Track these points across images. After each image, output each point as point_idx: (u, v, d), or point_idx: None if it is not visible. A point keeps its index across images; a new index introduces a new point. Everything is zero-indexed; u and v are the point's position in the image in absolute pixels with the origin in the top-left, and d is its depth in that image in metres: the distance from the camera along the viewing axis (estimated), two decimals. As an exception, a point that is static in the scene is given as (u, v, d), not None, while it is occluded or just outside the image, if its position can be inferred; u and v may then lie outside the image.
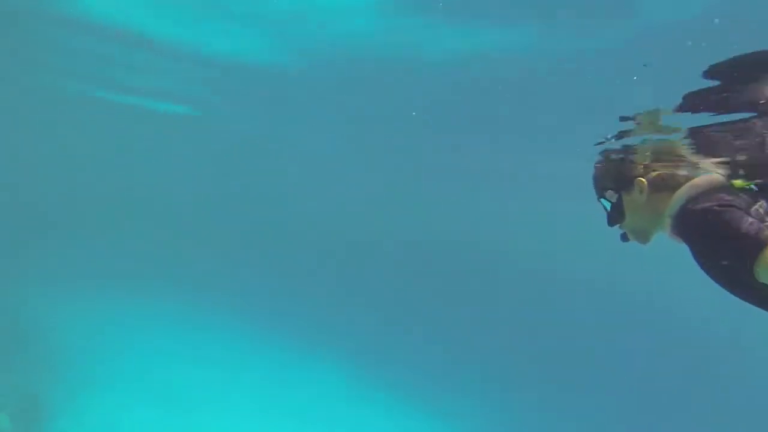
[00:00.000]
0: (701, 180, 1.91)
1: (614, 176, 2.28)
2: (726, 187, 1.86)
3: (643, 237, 2.22)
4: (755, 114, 3.34)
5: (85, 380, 13.42)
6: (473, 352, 23.61)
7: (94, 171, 35.61)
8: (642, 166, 2.20)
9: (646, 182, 2.11)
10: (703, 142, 3.97)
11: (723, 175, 2.00)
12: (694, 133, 3.87)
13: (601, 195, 2.29)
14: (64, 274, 20.62)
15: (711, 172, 2.06)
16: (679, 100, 3.56)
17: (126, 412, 12.67)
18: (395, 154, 18.10)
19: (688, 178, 1.98)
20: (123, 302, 20.17)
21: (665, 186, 2.04)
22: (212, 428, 13.21)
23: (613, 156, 4.73)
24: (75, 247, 24.65)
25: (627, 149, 4.50)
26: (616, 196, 2.21)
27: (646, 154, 4.44)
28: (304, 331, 21.42)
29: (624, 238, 2.28)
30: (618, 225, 2.27)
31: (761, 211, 1.66)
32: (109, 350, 15.79)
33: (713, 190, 1.84)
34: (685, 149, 4.17)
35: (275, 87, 9.98)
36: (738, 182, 1.90)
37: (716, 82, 3.17)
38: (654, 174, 2.11)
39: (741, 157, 4.07)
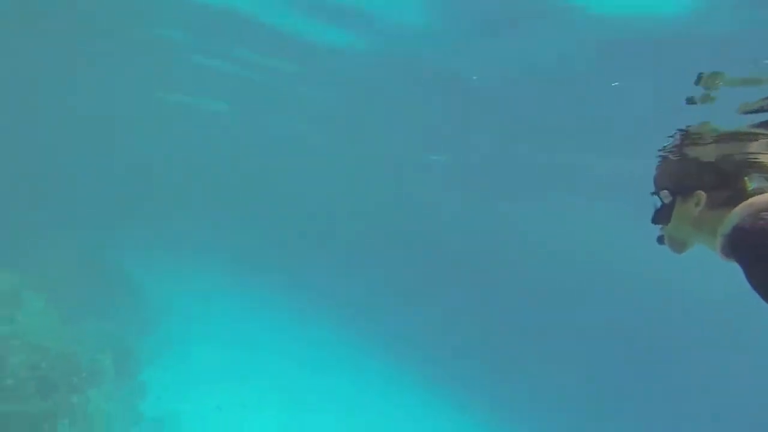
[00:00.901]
0: (760, 199, 1.77)
1: (675, 179, 2.11)
2: None
3: (679, 247, 2.13)
4: None
5: (171, 337, 15.74)
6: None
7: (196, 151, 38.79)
8: (709, 177, 2.01)
9: (704, 197, 1.96)
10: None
11: None
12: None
13: (656, 191, 2.17)
14: (166, 245, 23.73)
15: None
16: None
17: (202, 367, 14.73)
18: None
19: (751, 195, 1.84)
20: (211, 275, 22.96)
21: (725, 204, 1.88)
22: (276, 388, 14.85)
23: (679, 156, 4.07)
24: (177, 219, 27.82)
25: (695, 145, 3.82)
26: (670, 198, 2.09)
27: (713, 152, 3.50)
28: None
29: (660, 240, 2.19)
30: (660, 225, 2.17)
31: None
32: (193, 314, 18.30)
33: None
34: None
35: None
36: None
37: None
38: (717, 191, 1.94)
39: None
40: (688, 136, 3.53)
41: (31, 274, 11.34)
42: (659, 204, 2.14)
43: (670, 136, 3.79)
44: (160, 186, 30.34)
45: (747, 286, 1.72)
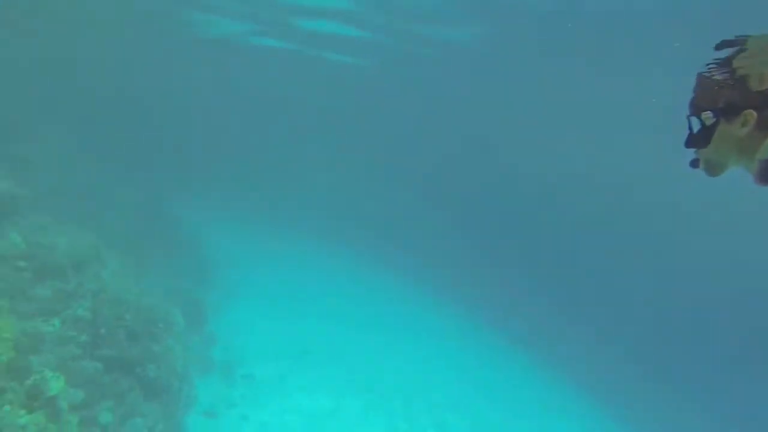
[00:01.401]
0: None
1: (722, 98, 1.93)
2: None
3: (717, 170, 2.01)
4: None
5: (236, 292, 16.93)
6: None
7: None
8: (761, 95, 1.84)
9: (755, 117, 1.80)
10: None
11: None
12: None
13: (695, 113, 2.00)
14: (227, 203, 24.96)
15: None
16: None
17: (264, 321, 15.86)
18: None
19: None
20: (276, 237, 24.09)
21: None
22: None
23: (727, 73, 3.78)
24: (247, 182, 29.03)
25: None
26: (713, 120, 1.93)
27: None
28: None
29: (694, 164, 2.06)
30: (696, 149, 2.03)
31: None
32: (253, 269, 19.47)
33: None
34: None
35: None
36: None
37: None
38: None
39: None
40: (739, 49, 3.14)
41: (105, 233, 12.28)
42: (696, 126, 1.99)
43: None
44: (226, 144, 31.29)
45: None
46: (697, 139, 1.99)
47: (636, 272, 32.85)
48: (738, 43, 2.27)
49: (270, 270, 19.91)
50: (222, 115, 34.38)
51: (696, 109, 2.01)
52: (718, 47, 2.09)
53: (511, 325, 21.94)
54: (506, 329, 21.62)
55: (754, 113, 1.81)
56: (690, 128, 2.03)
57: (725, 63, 2.99)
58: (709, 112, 1.93)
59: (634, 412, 17.88)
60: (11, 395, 6.35)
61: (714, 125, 1.93)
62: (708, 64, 3.01)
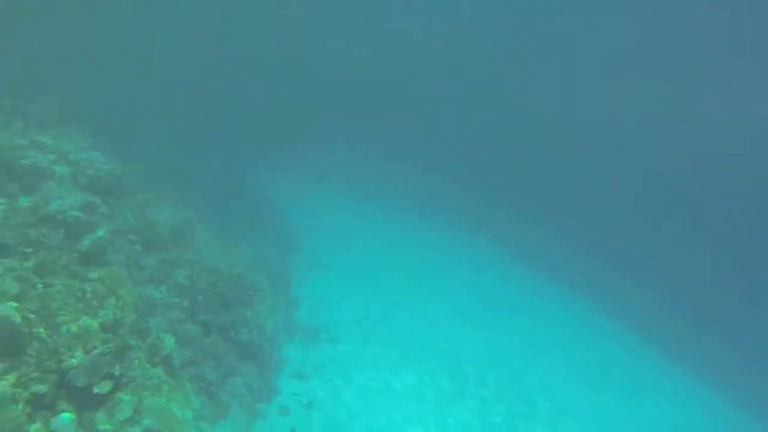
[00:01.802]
0: None
1: None
2: None
3: None
4: None
5: (320, 260, 17.73)
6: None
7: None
8: None
9: None
10: None
11: None
12: None
13: None
14: (304, 169, 25.92)
15: None
16: None
17: (347, 288, 16.50)
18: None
19: None
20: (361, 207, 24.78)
21: None
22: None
23: None
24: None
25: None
26: None
27: None
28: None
29: None
30: None
31: None
32: (332, 234, 20.21)
33: None
34: None
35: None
36: None
37: None
38: None
39: None
40: None
41: (198, 208, 13.29)
42: None
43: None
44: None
45: None
46: None
47: None
48: None
49: (353, 239, 20.53)
50: (304, 86, 35.06)
51: None
52: None
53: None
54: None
55: None
56: None
57: None
58: None
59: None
60: (138, 352, 7.19)
61: None
62: None
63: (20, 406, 5.56)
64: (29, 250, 8.13)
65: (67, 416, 5.77)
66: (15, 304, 6.35)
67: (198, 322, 9.59)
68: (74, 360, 6.21)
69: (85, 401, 6.17)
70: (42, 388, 5.78)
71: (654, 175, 35.00)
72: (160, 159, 14.69)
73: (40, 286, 7.19)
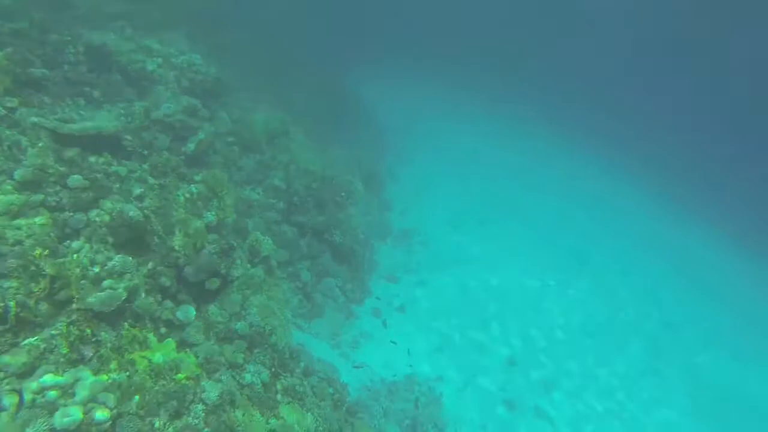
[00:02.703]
0: None
1: None
2: None
3: None
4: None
5: (412, 159, 17.42)
6: None
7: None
8: None
9: None
10: None
11: None
12: None
13: None
14: (397, 72, 24.76)
15: None
16: None
17: (439, 189, 16.24)
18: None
19: None
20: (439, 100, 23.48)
21: None
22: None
23: None
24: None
25: None
26: None
27: None
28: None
29: None
30: None
31: None
32: (423, 136, 19.54)
33: None
34: None
35: None
36: None
37: None
38: None
39: None
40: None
41: (292, 110, 13.32)
42: None
43: None
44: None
45: None
46: None
47: None
48: None
49: (446, 138, 19.63)
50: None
51: None
52: None
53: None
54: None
55: None
56: None
57: None
58: None
59: None
60: (240, 252, 7.87)
61: None
62: None
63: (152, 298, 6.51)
64: (146, 152, 8.94)
65: (191, 310, 6.63)
66: (137, 204, 7.14)
67: (293, 223, 10.14)
68: (187, 258, 6.95)
69: (199, 294, 7.03)
70: (166, 281, 6.63)
71: None
72: (259, 59, 14.63)
73: (157, 186, 7.96)
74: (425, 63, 27.16)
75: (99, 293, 5.36)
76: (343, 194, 11.71)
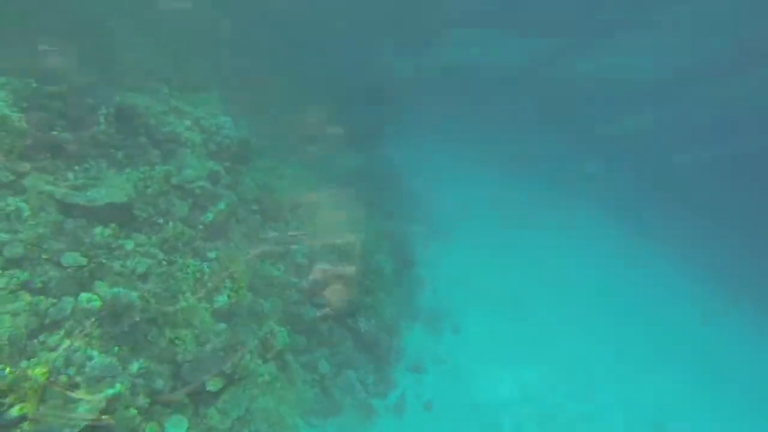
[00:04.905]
0: None
1: None
2: None
3: None
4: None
5: (444, 232, 16.43)
6: None
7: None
8: None
9: None
10: None
11: None
12: None
13: None
14: (427, 140, 24.65)
15: None
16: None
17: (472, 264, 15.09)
18: None
19: None
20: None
21: None
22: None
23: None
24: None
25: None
26: None
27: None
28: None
29: None
30: None
31: None
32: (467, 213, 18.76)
33: None
34: None
35: None
36: None
37: None
38: None
39: None
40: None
41: (321, 173, 12.79)
42: None
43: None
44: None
45: None
46: None
47: None
48: None
49: (480, 212, 18.72)
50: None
51: None
52: None
53: None
54: None
55: None
56: None
57: None
58: None
59: None
60: (251, 344, 6.83)
61: None
62: None
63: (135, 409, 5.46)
64: (161, 220, 8.29)
65: (183, 422, 5.53)
66: (138, 289, 6.30)
67: (315, 304, 9.11)
68: (188, 353, 5.95)
69: (198, 396, 5.93)
70: (159, 383, 5.60)
71: None
72: (287, 122, 14.47)
73: (165, 263, 7.16)
74: (456, 130, 26.91)
75: (57, 413, 4.33)
76: (372, 277, 10.73)
